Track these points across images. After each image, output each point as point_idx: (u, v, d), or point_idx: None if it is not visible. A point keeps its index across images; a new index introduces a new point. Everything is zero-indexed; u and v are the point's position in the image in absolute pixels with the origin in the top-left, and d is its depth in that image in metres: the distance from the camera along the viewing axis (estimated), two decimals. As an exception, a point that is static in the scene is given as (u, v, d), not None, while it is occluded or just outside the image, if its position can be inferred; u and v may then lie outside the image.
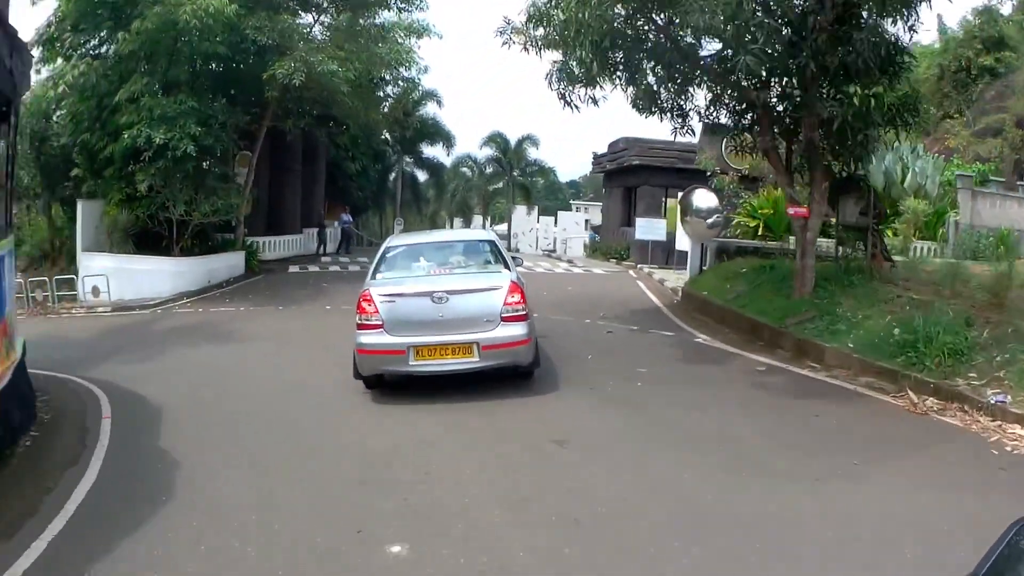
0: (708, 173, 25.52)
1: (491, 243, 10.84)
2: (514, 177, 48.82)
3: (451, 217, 52.15)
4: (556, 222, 44.33)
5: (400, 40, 24.77)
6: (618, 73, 13.71)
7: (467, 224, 49.81)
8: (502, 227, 44.99)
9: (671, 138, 16.13)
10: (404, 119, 35.93)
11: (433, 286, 8.97)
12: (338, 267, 26.77)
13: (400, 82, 30.29)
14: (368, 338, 8.86)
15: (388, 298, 8.88)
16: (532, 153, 48.55)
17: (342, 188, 36.61)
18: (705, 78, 13.68)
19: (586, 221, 47.82)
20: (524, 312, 8.95)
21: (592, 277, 24.79)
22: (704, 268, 18.13)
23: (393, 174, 44.44)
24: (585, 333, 13.58)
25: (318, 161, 32.75)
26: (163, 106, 20.80)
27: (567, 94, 13.37)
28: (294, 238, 30.41)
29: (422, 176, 47.64)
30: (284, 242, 29.68)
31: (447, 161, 46.87)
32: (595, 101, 13.65)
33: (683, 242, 24.50)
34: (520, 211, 43.28)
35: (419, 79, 29.36)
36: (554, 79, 13.29)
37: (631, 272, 25.91)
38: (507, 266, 9.81)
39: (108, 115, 21.60)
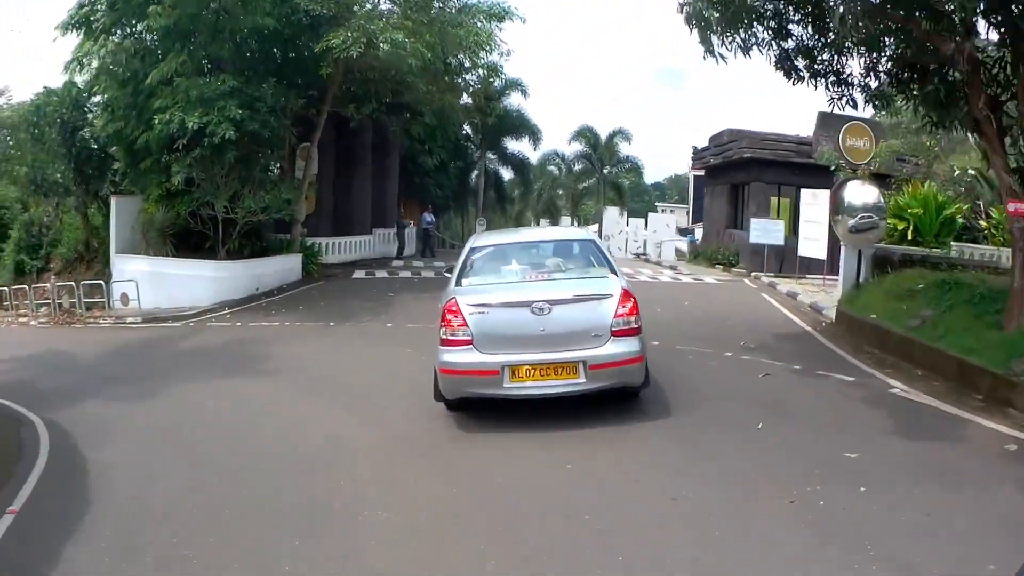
0: (832, 168, 21.49)
1: (592, 243, 9.36)
2: (604, 175, 45.15)
3: (537, 218, 48.63)
4: (647, 224, 40.36)
5: (480, 23, 21.66)
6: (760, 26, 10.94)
7: (555, 225, 46.17)
8: (592, 228, 41.11)
9: (782, 128, 13.37)
10: (486, 107, 32.46)
11: (532, 294, 7.71)
12: (409, 272, 23.60)
13: (480, 69, 26.85)
14: (454, 356, 7.62)
15: (479, 309, 7.66)
16: (624, 149, 44.95)
17: (418, 185, 33.38)
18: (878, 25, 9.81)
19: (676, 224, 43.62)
20: (638, 324, 7.76)
21: (706, 288, 20.94)
22: (861, 281, 14.15)
23: (475, 171, 41.10)
24: (734, 375, 9.96)
25: (390, 155, 29.58)
26: (200, 87, 18.08)
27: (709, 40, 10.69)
28: (363, 240, 27.29)
29: (506, 174, 44.22)
30: (351, 244, 26.59)
31: (533, 157, 43.54)
32: (746, 50, 10.92)
33: (808, 247, 20.73)
34: (611, 212, 39.43)
35: (501, 66, 25.91)
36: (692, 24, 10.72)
37: (747, 282, 21.98)
38: (613, 270, 8.47)
39: (144, 100, 19.00)
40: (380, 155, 28.70)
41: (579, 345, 7.50)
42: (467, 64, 25.14)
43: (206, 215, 19.35)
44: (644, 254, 36.71)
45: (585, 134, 44.07)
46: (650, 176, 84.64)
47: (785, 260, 24.05)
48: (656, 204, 67.87)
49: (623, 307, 7.67)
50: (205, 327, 16.05)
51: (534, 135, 39.35)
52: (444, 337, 7.69)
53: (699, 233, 35.52)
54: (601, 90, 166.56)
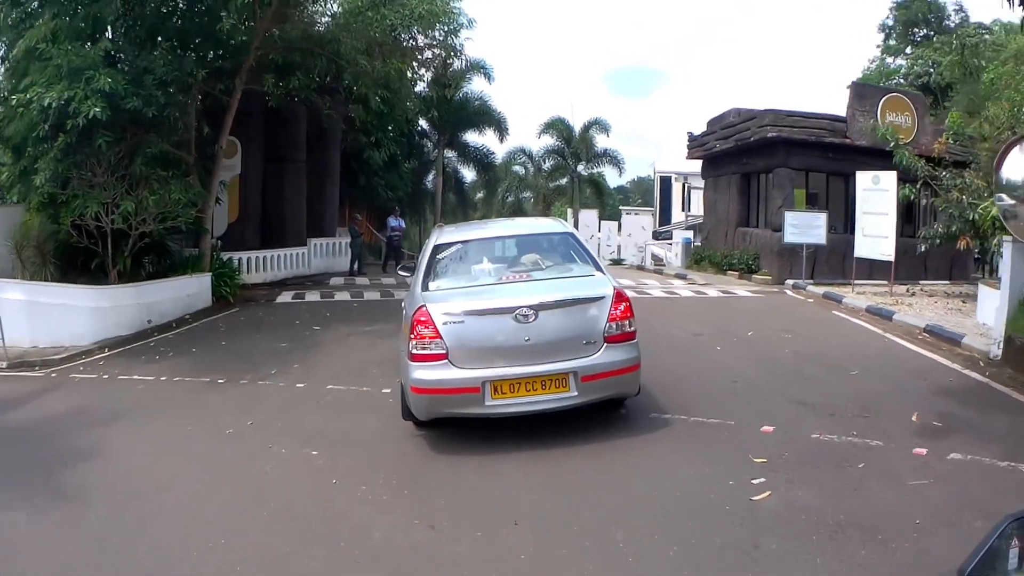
0: (891, 144, 17.21)
1: (570, 236, 8.45)
2: (579, 173, 40.59)
3: (503, 223, 43.90)
4: (619, 228, 36.10)
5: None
6: None
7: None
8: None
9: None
10: (443, 90, 27.79)
11: (514, 299, 6.91)
12: (348, 294, 18.70)
13: (435, 47, 22.26)
14: (427, 373, 6.74)
15: (454, 318, 6.80)
16: (601, 142, 40.32)
17: (364, 187, 28.39)
18: None
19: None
20: (633, 328, 7.07)
21: (752, 307, 16.41)
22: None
23: (432, 171, 36.33)
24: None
25: (330, 149, 24.73)
26: (66, 55, 13.26)
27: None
28: (296, 253, 22.37)
29: (468, 174, 39.45)
30: (282, 259, 21.67)
31: (499, 153, 38.87)
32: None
33: (869, 247, 16.61)
34: (588, 215, 34.87)
35: (460, 44, 21.35)
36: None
37: (791, 293, 17.73)
38: (598, 267, 7.71)
39: (19, 80, 14.59)
40: (318, 150, 23.86)
41: (569, 355, 6.83)
42: (420, 40, 20.55)
43: (92, 227, 14.59)
44: (621, 260, 32.97)
45: (557, 126, 39.44)
46: (611, 179, 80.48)
47: (817, 263, 19.80)
48: (620, 208, 63.72)
49: (616, 309, 7.00)
50: (66, 379, 11.53)
51: (500, 127, 34.65)
52: (414, 352, 6.80)
53: (678, 235, 31.61)
54: (558, 88, 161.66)
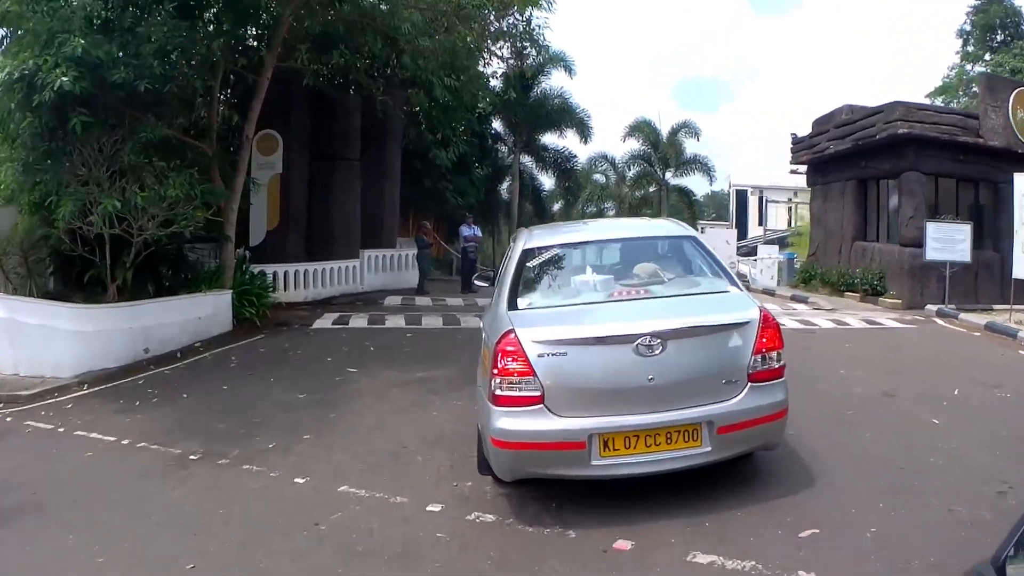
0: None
1: (693, 241, 6.67)
2: (666, 181, 36.79)
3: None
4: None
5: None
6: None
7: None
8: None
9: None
10: (519, 77, 24.35)
11: (635, 323, 5.29)
12: (402, 319, 14.95)
13: (510, 38, 19.05)
14: (515, 421, 5.19)
15: (553, 348, 5.20)
16: (690, 147, 36.51)
17: (430, 191, 24.95)
18: None
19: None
20: (782, 363, 5.46)
21: (904, 341, 12.83)
22: None
23: (508, 178, 32.88)
24: None
25: (388, 146, 21.44)
26: (38, 17, 10.43)
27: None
28: (346, 267, 19.07)
29: (546, 181, 35.90)
30: (329, 273, 18.39)
31: (582, 156, 35.35)
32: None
33: None
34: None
35: (540, 28, 18.12)
36: None
37: (941, 322, 14.55)
38: (732, 281, 6.06)
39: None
40: (375, 147, 20.55)
41: (703, 398, 5.24)
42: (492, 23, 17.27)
43: (88, 232, 11.70)
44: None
45: (643, 129, 35.86)
46: (699, 189, 76.17)
47: (951, 284, 16.09)
48: (697, 222, 59.51)
49: (764, 338, 5.33)
50: (19, 426, 8.89)
51: (583, 127, 30.99)
52: (498, 392, 5.17)
53: (765, 250, 28.68)
54: (629, 100, 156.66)
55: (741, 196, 41.15)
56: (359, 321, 14.50)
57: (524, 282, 6.18)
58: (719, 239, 33.31)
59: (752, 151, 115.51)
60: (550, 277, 6.47)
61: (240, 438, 7.56)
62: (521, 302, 5.90)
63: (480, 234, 21.53)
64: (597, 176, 38.76)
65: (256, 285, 14.79)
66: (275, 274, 16.42)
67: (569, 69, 29.17)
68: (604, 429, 5.17)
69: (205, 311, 13.00)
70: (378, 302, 17.35)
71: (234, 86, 16.68)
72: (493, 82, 26.79)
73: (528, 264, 6.34)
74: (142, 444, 7.72)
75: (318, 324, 14.22)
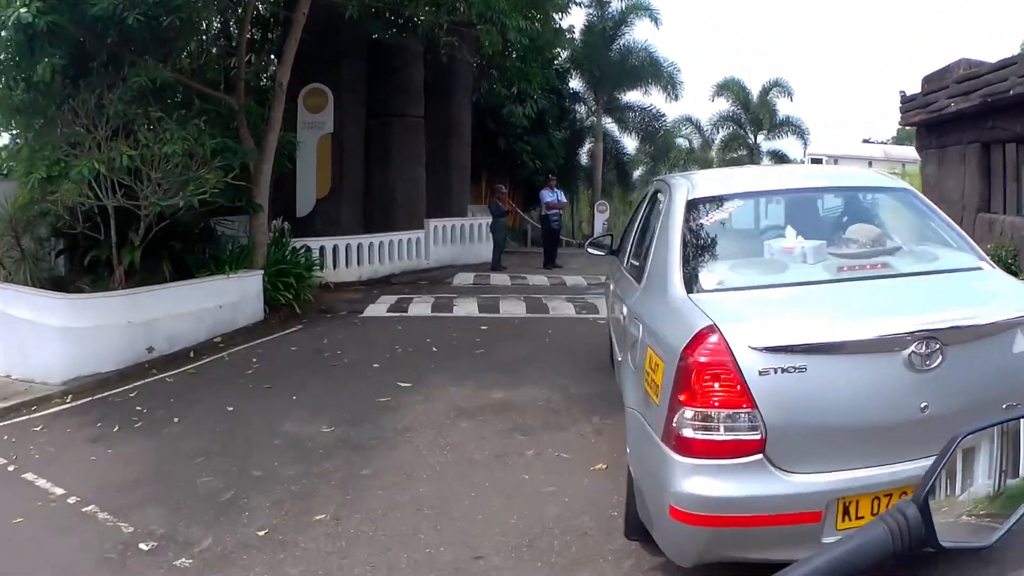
0: None
1: (911, 195, 4.69)
2: (757, 145, 33.31)
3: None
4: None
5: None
6: None
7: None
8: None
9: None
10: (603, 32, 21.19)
11: (903, 319, 3.27)
12: (475, 304, 12.03)
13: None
14: (717, 484, 3.18)
15: (787, 359, 3.16)
16: (783, 108, 32.99)
17: (505, 153, 21.89)
18: None
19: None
20: None
21: None
22: None
23: (588, 140, 29.79)
24: None
25: (456, 101, 18.56)
26: None
27: None
28: (406, 239, 16.34)
29: (629, 144, 32.68)
30: (386, 247, 15.70)
31: (670, 115, 32.03)
32: None
33: None
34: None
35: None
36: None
37: None
38: (977, 252, 4.13)
39: None
40: (440, 103, 17.77)
41: None
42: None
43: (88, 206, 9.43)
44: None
45: (732, 88, 32.34)
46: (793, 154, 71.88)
47: None
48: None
49: None
50: None
51: (671, 84, 27.52)
52: (690, 435, 3.17)
53: None
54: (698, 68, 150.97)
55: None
56: (420, 307, 11.80)
57: (696, 251, 4.05)
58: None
59: (823, 120, 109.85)
60: (734, 243, 4.36)
61: (222, 511, 4.93)
62: (705, 280, 3.79)
63: (564, 199, 18.49)
64: (680, 140, 35.36)
65: (297, 264, 12.27)
66: (322, 249, 13.86)
67: (655, 19, 25.83)
68: (851, 489, 3.18)
69: (228, 298, 10.50)
70: (445, 281, 14.62)
71: (271, 30, 14.12)
72: (572, 32, 23.87)
73: (699, 222, 4.20)
74: (90, 508, 5.23)
75: (370, 311, 11.58)
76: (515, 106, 19.64)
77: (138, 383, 8.39)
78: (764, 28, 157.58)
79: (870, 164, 50.73)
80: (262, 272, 11.11)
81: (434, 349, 8.92)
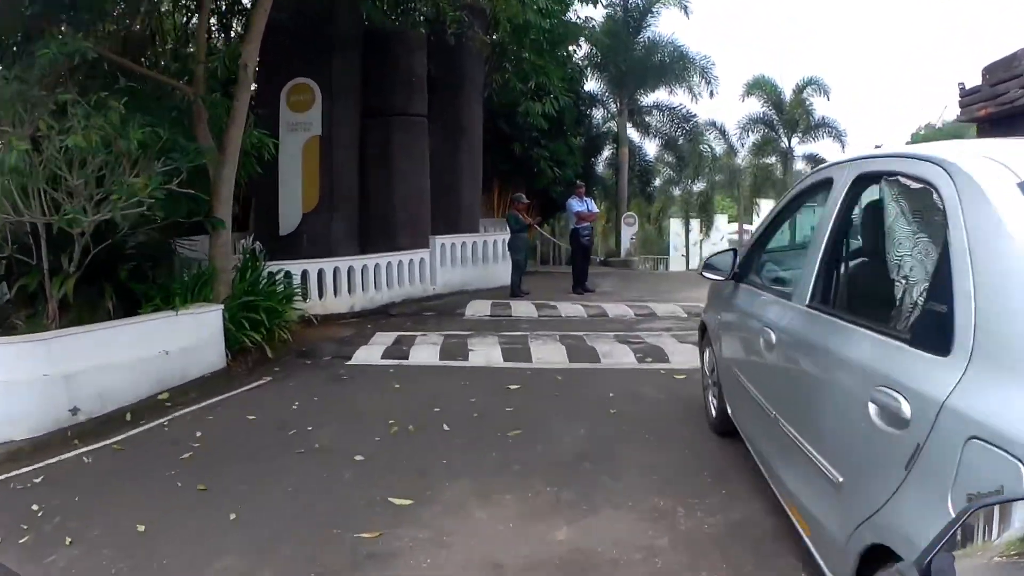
0: None
1: None
2: (790, 148, 30.88)
3: (686, 215, 34.21)
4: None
5: None
6: None
7: (708, 226, 32.15)
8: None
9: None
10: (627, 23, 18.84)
11: None
12: (497, 346, 9.45)
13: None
14: None
15: None
16: (819, 108, 30.63)
17: (521, 161, 19.49)
18: None
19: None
20: None
21: None
22: None
23: (608, 144, 27.35)
24: None
25: (465, 97, 15.98)
26: None
27: None
28: (408, 260, 13.75)
29: (650, 148, 30.23)
30: (383, 271, 13.10)
31: (700, 116, 29.70)
32: None
33: None
34: None
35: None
36: None
37: None
38: None
39: None
40: (447, 99, 15.32)
41: None
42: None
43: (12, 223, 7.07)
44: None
45: (764, 86, 29.90)
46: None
47: None
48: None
49: None
50: None
51: (705, 78, 24.98)
52: None
53: None
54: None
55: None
56: (425, 351, 9.20)
57: None
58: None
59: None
60: None
61: None
62: None
63: (596, 210, 15.89)
64: (703, 147, 32.81)
65: (272, 294, 9.79)
66: (304, 275, 11.37)
67: (684, 6, 23.31)
68: None
69: (177, 341, 8.01)
70: (456, 312, 12.07)
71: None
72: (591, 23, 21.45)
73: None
74: None
75: (361, 356, 9.01)
76: (530, 102, 17.15)
77: (52, 460, 5.91)
78: (786, 15, 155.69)
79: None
80: (222, 307, 8.63)
81: (446, 427, 6.27)
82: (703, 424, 5.94)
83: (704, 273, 5.09)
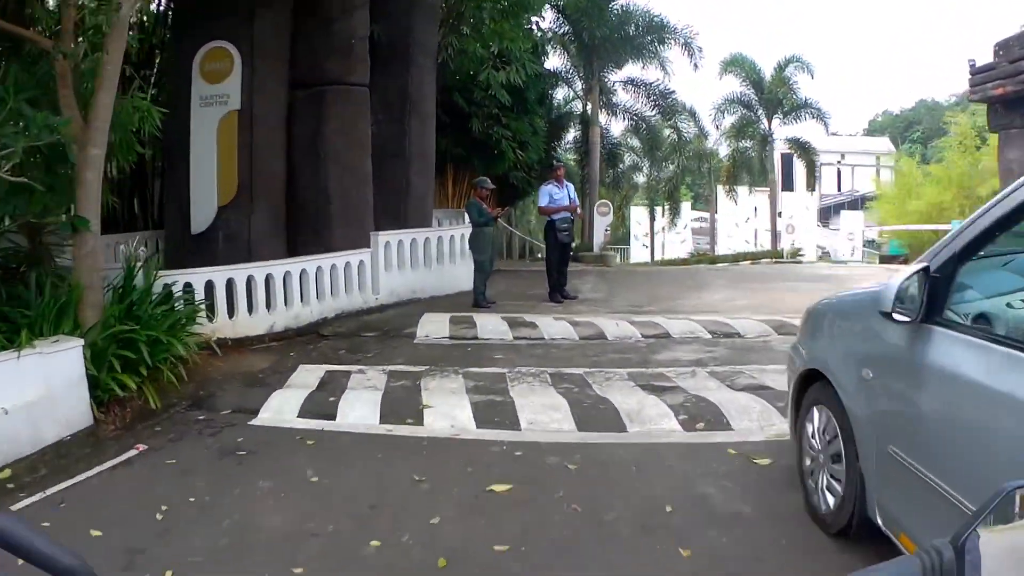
0: None
1: None
2: (770, 131, 29.18)
3: (651, 203, 32.41)
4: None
5: None
6: None
7: (675, 214, 30.77)
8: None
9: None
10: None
11: None
12: (464, 390, 7.01)
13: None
14: None
15: None
16: (803, 87, 29.04)
17: (480, 141, 17.01)
18: None
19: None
20: None
21: None
22: None
23: (574, 130, 25.27)
24: None
25: (415, 65, 13.32)
26: None
27: None
28: (345, 264, 11.09)
29: (616, 128, 28.24)
30: (314, 279, 10.49)
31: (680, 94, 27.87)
32: None
33: None
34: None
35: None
36: None
37: None
38: None
39: None
40: (393, 67, 12.90)
41: None
42: None
43: None
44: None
45: (741, 64, 28.03)
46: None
47: None
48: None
49: None
50: None
51: (687, 49, 22.94)
52: None
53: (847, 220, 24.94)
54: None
55: (786, 159, 35.85)
56: (361, 403, 6.66)
57: None
58: (797, 206, 29.50)
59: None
60: None
61: None
62: None
63: (577, 199, 13.38)
64: (668, 131, 30.85)
65: (167, 316, 7.45)
66: (209, 286, 8.87)
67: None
68: None
69: (23, 392, 5.73)
70: (405, 332, 9.61)
71: None
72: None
73: None
74: None
75: (271, 409, 6.55)
76: (490, 72, 14.91)
77: None
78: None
79: (843, 157, 46.72)
80: (82, 343, 6.25)
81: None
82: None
83: (896, 316, 3.13)
